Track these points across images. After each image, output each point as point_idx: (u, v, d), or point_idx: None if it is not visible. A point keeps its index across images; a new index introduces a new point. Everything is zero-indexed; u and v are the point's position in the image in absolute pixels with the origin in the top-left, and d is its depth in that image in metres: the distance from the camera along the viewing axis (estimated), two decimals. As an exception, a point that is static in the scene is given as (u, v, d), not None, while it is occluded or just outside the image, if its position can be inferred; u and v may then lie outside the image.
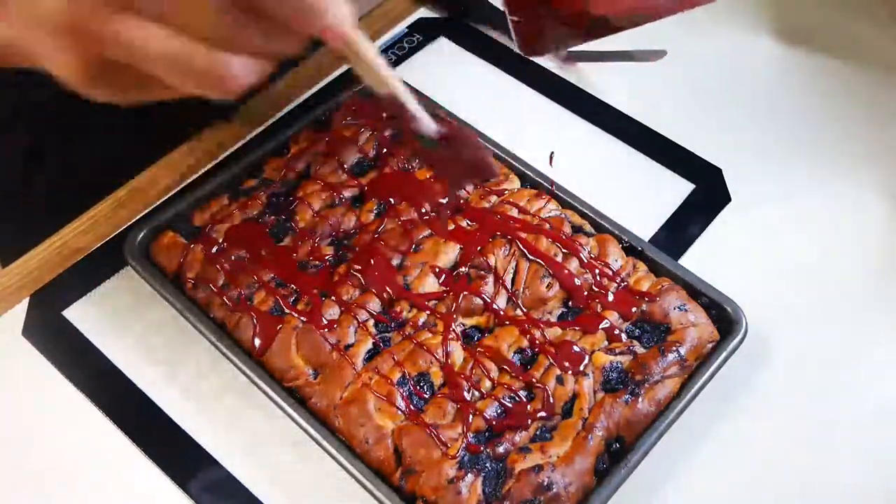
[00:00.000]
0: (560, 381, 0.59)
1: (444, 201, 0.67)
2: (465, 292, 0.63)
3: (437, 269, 0.64)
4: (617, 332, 0.62)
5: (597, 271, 0.65)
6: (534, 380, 0.59)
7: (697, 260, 0.70)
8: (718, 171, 0.77)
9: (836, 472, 0.61)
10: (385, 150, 0.72)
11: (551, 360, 0.60)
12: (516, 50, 0.67)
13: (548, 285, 0.64)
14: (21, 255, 0.70)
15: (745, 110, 0.82)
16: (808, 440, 0.62)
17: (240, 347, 0.61)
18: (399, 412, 0.58)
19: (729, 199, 0.75)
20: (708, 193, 0.76)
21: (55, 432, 0.62)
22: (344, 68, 0.84)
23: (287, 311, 0.62)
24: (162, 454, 0.60)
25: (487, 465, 0.56)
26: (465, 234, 0.67)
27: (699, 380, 0.60)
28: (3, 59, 0.46)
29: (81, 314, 0.67)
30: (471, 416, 0.57)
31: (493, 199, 0.69)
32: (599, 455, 0.57)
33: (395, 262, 0.65)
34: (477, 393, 0.59)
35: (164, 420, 0.62)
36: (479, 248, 0.65)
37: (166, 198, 0.73)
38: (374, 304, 0.62)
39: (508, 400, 0.58)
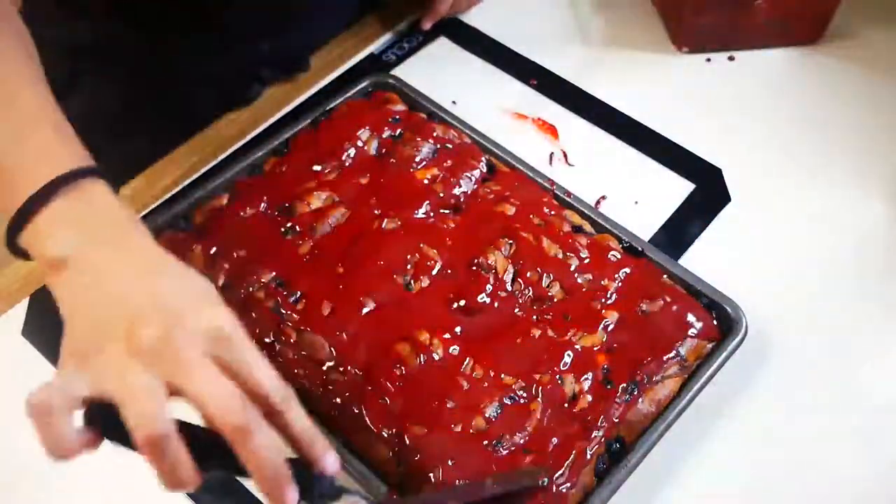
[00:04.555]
0: (560, 381, 0.59)
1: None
2: (465, 291, 0.63)
3: (437, 269, 0.64)
4: (616, 331, 0.62)
5: (597, 271, 0.65)
6: (534, 380, 0.59)
7: (697, 260, 0.70)
8: (718, 171, 0.77)
9: (836, 472, 0.61)
10: (385, 150, 0.72)
11: (551, 360, 0.60)
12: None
13: (548, 285, 0.64)
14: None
15: (746, 110, 0.82)
16: (807, 440, 0.62)
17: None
18: (399, 412, 0.58)
19: (729, 199, 0.75)
20: (708, 193, 0.76)
21: (55, 432, 0.61)
22: (343, 69, 0.84)
23: (287, 310, 0.62)
24: (162, 454, 0.60)
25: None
26: (465, 233, 0.67)
27: (699, 380, 0.60)
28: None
29: (81, 314, 0.66)
30: (471, 417, 0.57)
31: (494, 198, 0.69)
32: (599, 455, 0.57)
33: (394, 261, 0.65)
34: (477, 393, 0.59)
35: (164, 420, 0.61)
36: (479, 247, 0.65)
37: (166, 198, 0.73)
38: (373, 304, 0.62)
39: (508, 400, 0.58)
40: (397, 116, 0.74)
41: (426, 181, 0.70)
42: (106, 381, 0.41)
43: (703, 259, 0.70)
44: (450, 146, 0.72)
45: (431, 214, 0.68)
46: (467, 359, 0.60)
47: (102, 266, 0.45)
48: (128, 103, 0.80)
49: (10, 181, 0.47)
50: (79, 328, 0.43)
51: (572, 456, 0.56)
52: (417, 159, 0.71)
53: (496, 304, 0.63)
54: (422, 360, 0.60)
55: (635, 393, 0.59)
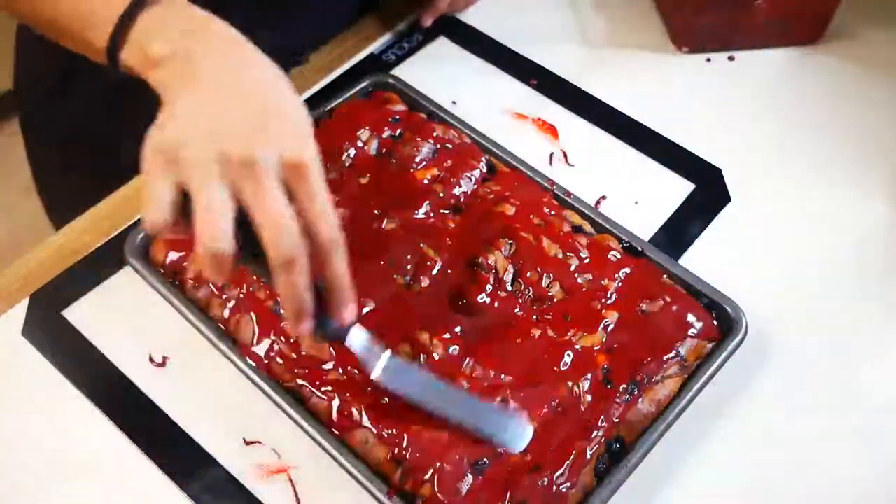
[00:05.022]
0: (560, 380, 0.59)
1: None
2: (465, 291, 0.63)
3: (437, 269, 0.64)
4: (616, 331, 0.62)
5: (597, 271, 0.65)
6: (533, 380, 0.59)
7: (697, 260, 0.70)
8: (718, 171, 0.77)
9: (836, 472, 0.61)
10: (385, 150, 0.72)
11: (551, 360, 0.60)
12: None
13: (548, 285, 0.64)
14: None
15: (746, 110, 0.82)
16: (807, 440, 0.62)
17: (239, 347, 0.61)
18: (399, 412, 0.58)
19: (729, 199, 0.75)
20: (708, 193, 0.76)
21: (55, 432, 0.61)
22: (343, 69, 0.84)
23: (287, 311, 0.62)
24: (162, 454, 0.60)
25: (487, 465, 0.56)
26: (465, 233, 0.67)
27: (699, 380, 0.60)
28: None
29: (81, 314, 0.67)
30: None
31: (494, 198, 0.69)
32: (599, 455, 0.57)
33: (394, 261, 0.65)
34: (477, 393, 0.59)
35: (164, 420, 0.62)
36: (479, 247, 0.65)
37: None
38: (373, 304, 0.62)
39: (508, 400, 0.58)
40: (397, 116, 0.74)
41: (426, 181, 0.70)
42: (189, 184, 0.45)
43: (703, 259, 0.70)
44: (450, 146, 0.72)
45: (431, 214, 0.68)
46: (467, 359, 0.60)
47: (205, 66, 0.48)
48: (126, 101, 0.79)
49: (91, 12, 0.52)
50: (172, 126, 0.46)
51: (572, 456, 0.56)
52: (417, 159, 0.71)
53: (496, 304, 0.63)
54: (422, 360, 0.60)
55: (635, 393, 0.59)
